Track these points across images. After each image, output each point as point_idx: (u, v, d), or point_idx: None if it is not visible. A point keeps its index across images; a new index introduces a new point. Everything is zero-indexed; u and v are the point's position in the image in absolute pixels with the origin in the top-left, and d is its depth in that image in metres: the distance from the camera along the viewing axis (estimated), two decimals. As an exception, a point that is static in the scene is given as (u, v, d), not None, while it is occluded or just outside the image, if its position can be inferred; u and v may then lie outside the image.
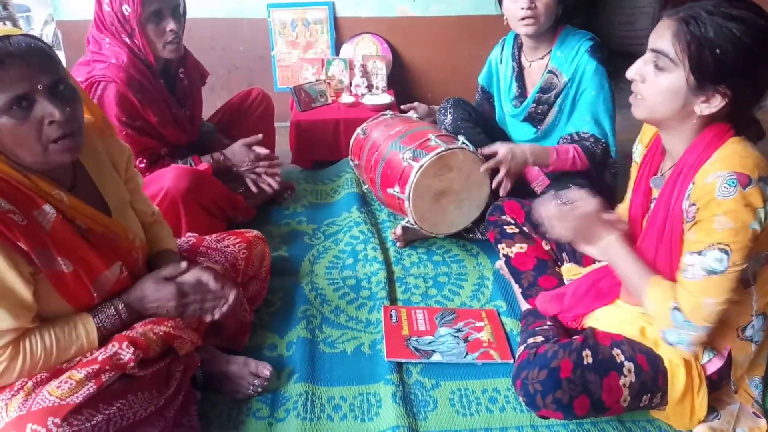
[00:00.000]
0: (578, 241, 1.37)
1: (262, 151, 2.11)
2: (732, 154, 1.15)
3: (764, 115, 1.26)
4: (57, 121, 1.07)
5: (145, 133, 1.95)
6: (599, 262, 1.55)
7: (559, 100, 1.99)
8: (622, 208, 1.55)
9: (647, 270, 1.27)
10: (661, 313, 1.22)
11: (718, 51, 1.09)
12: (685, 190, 1.20)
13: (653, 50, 1.18)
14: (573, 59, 1.94)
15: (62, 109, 1.08)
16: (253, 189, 2.15)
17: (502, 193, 1.88)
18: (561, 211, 1.35)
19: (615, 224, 1.35)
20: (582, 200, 1.35)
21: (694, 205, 1.16)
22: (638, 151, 1.49)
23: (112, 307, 1.25)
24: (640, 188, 1.41)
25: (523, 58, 2.10)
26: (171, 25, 1.87)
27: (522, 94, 2.11)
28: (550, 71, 1.99)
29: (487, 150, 1.90)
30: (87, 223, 1.20)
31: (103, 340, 1.22)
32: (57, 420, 1.04)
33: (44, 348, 1.14)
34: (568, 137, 1.99)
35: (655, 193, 1.36)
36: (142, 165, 1.95)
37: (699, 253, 1.15)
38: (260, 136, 2.15)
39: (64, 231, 1.15)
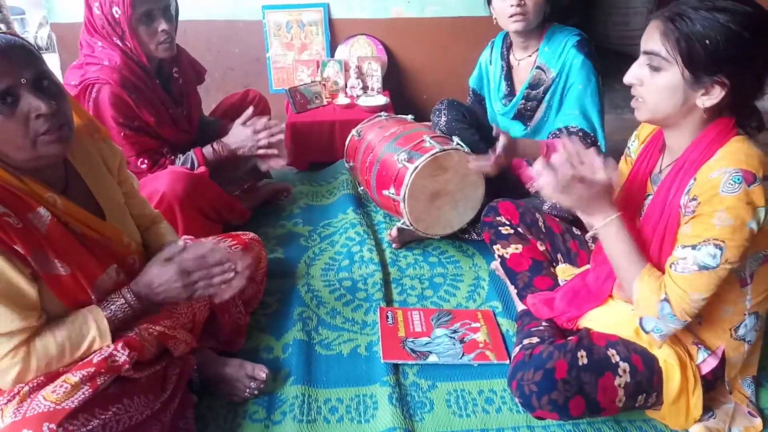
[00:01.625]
0: (577, 209, 1.30)
1: (258, 124, 2.05)
2: (737, 152, 1.15)
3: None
4: (44, 114, 1.07)
5: (144, 133, 1.94)
6: (590, 262, 1.55)
7: (547, 96, 2.01)
8: None
9: (641, 257, 1.26)
10: (648, 302, 1.22)
11: (707, 42, 1.10)
12: (685, 186, 1.20)
13: (645, 52, 1.20)
14: (560, 54, 1.95)
15: (48, 102, 1.08)
16: (263, 168, 2.09)
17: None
18: (576, 171, 1.23)
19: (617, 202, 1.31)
20: (600, 170, 1.24)
21: (695, 200, 1.16)
22: (634, 147, 1.49)
23: (121, 298, 1.24)
24: (634, 184, 1.41)
25: (512, 57, 2.11)
26: (162, 26, 1.86)
27: (511, 93, 2.11)
28: (538, 67, 2.00)
29: (497, 131, 1.83)
30: (80, 227, 1.20)
31: (116, 333, 1.22)
32: (52, 425, 1.03)
33: (56, 345, 1.14)
34: (557, 132, 1.99)
35: (651, 190, 1.36)
36: (144, 165, 1.94)
37: (693, 247, 1.15)
38: (251, 109, 2.09)
39: (59, 234, 1.15)
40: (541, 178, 1.25)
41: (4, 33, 1.08)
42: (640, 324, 1.25)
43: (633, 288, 1.25)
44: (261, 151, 2.06)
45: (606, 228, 1.28)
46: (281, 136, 2.07)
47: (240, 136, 2.05)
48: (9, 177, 1.11)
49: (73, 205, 1.19)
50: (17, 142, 1.08)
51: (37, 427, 1.02)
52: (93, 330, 1.19)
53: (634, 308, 1.27)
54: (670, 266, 1.20)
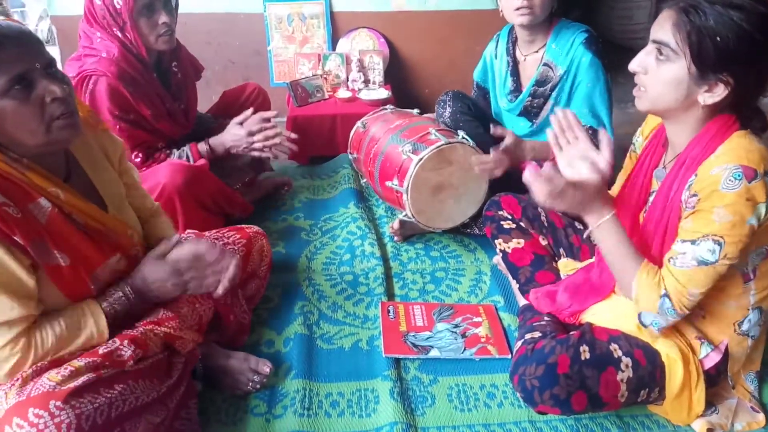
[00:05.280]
0: (572, 211, 1.31)
1: (255, 126, 2.03)
2: (738, 148, 1.14)
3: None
4: (58, 97, 1.09)
5: (139, 127, 1.93)
6: (594, 256, 1.55)
7: (554, 93, 1.99)
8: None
9: (637, 254, 1.26)
10: (648, 298, 1.22)
11: (718, 39, 1.09)
12: (686, 182, 1.20)
13: (654, 41, 1.18)
14: (568, 52, 1.93)
15: (61, 86, 1.10)
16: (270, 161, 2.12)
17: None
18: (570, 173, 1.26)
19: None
20: (593, 172, 1.27)
21: (695, 195, 1.15)
22: (639, 143, 1.48)
23: (119, 291, 1.25)
24: (638, 180, 1.40)
25: (517, 53, 2.09)
26: (163, 18, 1.86)
27: (517, 89, 2.10)
28: (545, 64, 1.98)
29: (499, 131, 1.87)
30: (83, 218, 1.20)
31: (115, 325, 1.22)
32: (59, 403, 1.02)
33: (54, 337, 1.14)
34: None
35: (655, 186, 1.35)
36: (138, 159, 1.93)
37: (692, 242, 1.15)
38: (250, 110, 2.07)
39: (60, 224, 1.15)
40: (532, 186, 1.26)
41: (10, 20, 1.10)
42: (639, 318, 1.25)
43: (631, 285, 1.25)
44: (255, 153, 2.06)
45: (600, 228, 1.28)
46: (277, 140, 2.06)
47: (235, 136, 2.04)
48: (10, 169, 1.10)
49: (76, 196, 1.19)
50: (32, 127, 1.09)
51: (43, 405, 1.01)
52: (90, 324, 1.18)
53: (634, 304, 1.26)
54: (669, 260, 1.19)
